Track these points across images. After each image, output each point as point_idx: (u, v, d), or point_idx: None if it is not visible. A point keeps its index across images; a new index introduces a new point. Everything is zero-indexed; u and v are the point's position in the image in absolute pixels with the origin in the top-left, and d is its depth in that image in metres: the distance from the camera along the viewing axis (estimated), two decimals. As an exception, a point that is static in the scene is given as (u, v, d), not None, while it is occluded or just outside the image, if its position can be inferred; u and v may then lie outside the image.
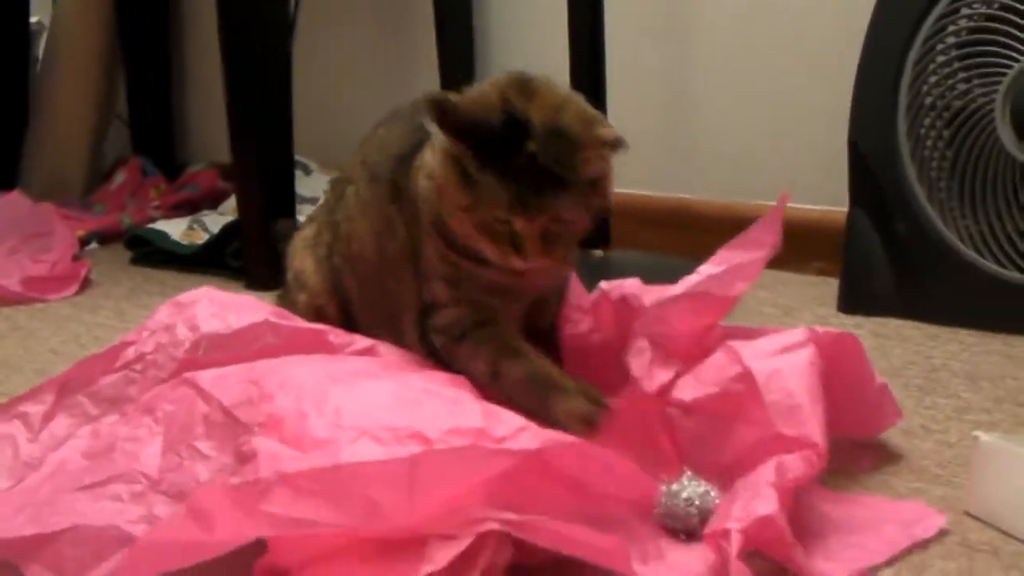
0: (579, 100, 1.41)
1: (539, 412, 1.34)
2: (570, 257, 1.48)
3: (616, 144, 1.37)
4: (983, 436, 1.34)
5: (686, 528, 1.24)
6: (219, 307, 1.51)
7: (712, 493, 1.25)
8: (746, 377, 1.34)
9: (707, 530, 1.19)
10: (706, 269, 1.44)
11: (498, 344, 1.46)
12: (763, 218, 1.43)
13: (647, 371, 1.39)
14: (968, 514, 1.33)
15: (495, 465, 1.11)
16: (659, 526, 1.26)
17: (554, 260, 1.42)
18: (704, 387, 1.37)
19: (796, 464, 1.24)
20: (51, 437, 1.43)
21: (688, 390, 1.38)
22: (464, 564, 1.06)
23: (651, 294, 1.50)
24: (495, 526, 1.07)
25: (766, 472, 1.22)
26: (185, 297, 1.53)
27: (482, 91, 1.40)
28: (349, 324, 1.63)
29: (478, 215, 1.38)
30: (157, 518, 1.22)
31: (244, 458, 1.22)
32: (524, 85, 1.39)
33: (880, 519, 1.31)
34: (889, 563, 1.22)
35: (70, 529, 1.23)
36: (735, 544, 1.13)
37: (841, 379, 1.35)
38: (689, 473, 1.28)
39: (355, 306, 1.67)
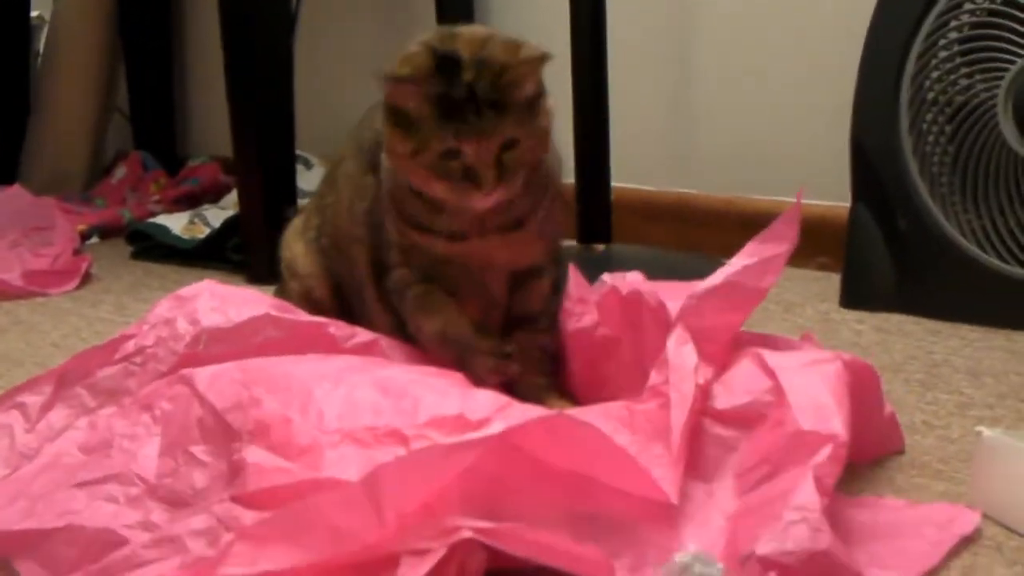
0: (499, 32, 1.48)
1: (457, 366, 1.46)
2: (533, 194, 1.52)
3: (543, 59, 1.45)
4: (986, 431, 1.33)
5: None
6: (220, 301, 1.51)
7: None
8: (775, 390, 1.33)
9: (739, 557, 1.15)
10: (737, 261, 1.43)
11: (420, 301, 1.54)
12: (783, 213, 1.43)
13: (695, 363, 1.37)
14: (970, 507, 1.32)
15: (457, 462, 1.10)
16: None
17: (512, 188, 1.46)
18: (735, 397, 1.35)
19: (830, 467, 1.21)
20: (48, 428, 1.43)
21: (720, 399, 1.36)
22: (436, 573, 1.05)
23: (663, 290, 1.49)
24: (469, 535, 1.06)
25: (806, 492, 1.17)
26: (186, 291, 1.53)
27: (410, 48, 1.47)
28: (343, 306, 1.67)
29: (427, 156, 1.43)
30: (154, 525, 1.23)
31: (236, 468, 1.23)
32: (446, 32, 1.48)
33: (914, 522, 1.30)
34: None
35: (65, 528, 1.24)
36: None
37: (855, 404, 1.34)
38: (692, 549, 1.18)
39: (344, 286, 1.69)
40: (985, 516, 1.31)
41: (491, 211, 1.48)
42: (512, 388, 1.48)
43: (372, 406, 1.25)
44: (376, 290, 1.61)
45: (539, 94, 1.47)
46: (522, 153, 1.45)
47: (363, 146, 1.64)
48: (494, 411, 1.21)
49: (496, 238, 1.52)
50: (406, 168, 1.47)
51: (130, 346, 1.48)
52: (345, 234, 1.65)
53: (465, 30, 1.47)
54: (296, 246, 1.74)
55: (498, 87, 1.42)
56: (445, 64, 1.42)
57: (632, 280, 1.52)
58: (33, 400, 1.46)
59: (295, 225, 1.78)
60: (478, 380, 1.42)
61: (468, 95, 1.41)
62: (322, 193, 1.76)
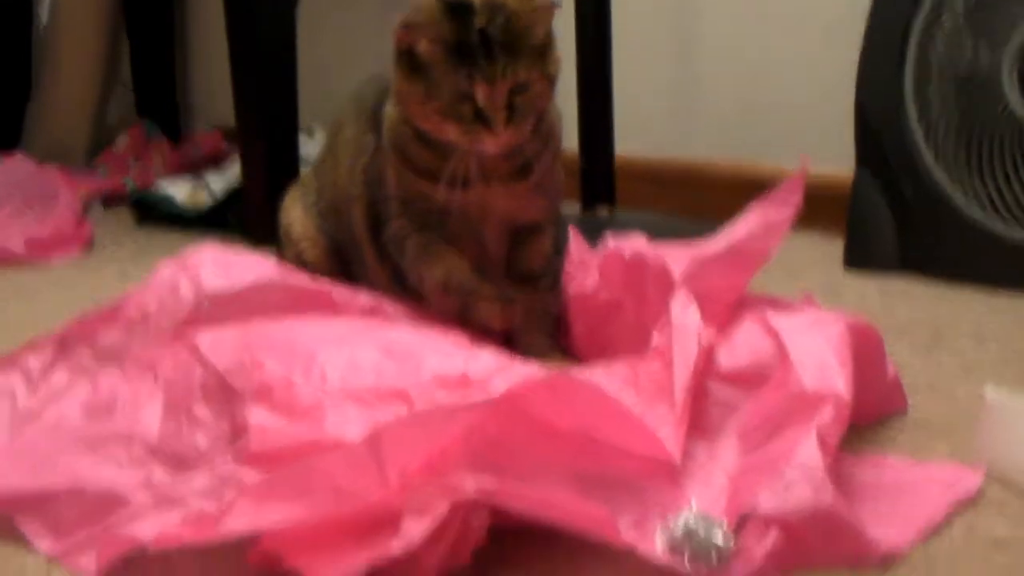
0: None
1: (460, 316, 1.52)
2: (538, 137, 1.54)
3: (553, 5, 1.49)
4: (991, 391, 1.33)
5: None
6: (223, 265, 1.50)
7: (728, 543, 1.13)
8: (779, 350, 1.32)
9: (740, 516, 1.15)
10: (741, 225, 1.43)
11: (420, 251, 1.55)
12: (788, 179, 1.43)
13: (698, 323, 1.36)
14: (973, 468, 1.32)
15: (459, 422, 1.10)
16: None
17: (521, 132, 1.48)
18: (738, 358, 1.35)
19: (833, 426, 1.21)
20: (50, 389, 1.43)
21: (723, 360, 1.36)
22: (438, 530, 1.05)
23: (665, 253, 1.49)
24: (472, 493, 1.06)
25: (809, 450, 1.17)
26: (189, 255, 1.52)
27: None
28: (340, 270, 1.68)
29: (439, 99, 1.45)
30: (157, 485, 1.23)
31: (239, 429, 1.23)
32: None
33: (917, 481, 1.30)
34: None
35: (68, 489, 1.24)
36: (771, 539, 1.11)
37: (858, 365, 1.34)
38: (696, 509, 1.17)
39: (344, 249, 1.70)
40: (988, 476, 1.31)
41: (497, 157, 1.49)
42: (515, 348, 1.49)
43: (375, 367, 1.25)
44: (374, 246, 1.61)
45: (549, 40, 1.49)
46: (532, 97, 1.47)
47: (363, 107, 1.65)
48: (497, 370, 1.21)
49: (499, 187, 1.53)
50: (416, 112, 1.48)
51: (133, 309, 1.48)
52: (344, 194, 1.66)
53: None
54: (294, 211, 1.75)
55: (510, 31, 1.44)
56: (457, 10, 1.44)
57: (635, 243, 1.51)
58: (35, 362, 1.46)
59: (292, 192, 1.80)
60: (482, 328, 1.46)
61: (480, 39, 1.43)
62: (322, 159, 1.78)
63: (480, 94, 1.44)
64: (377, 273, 1.62)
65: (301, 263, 1.68)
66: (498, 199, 1.54)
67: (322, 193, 1.73)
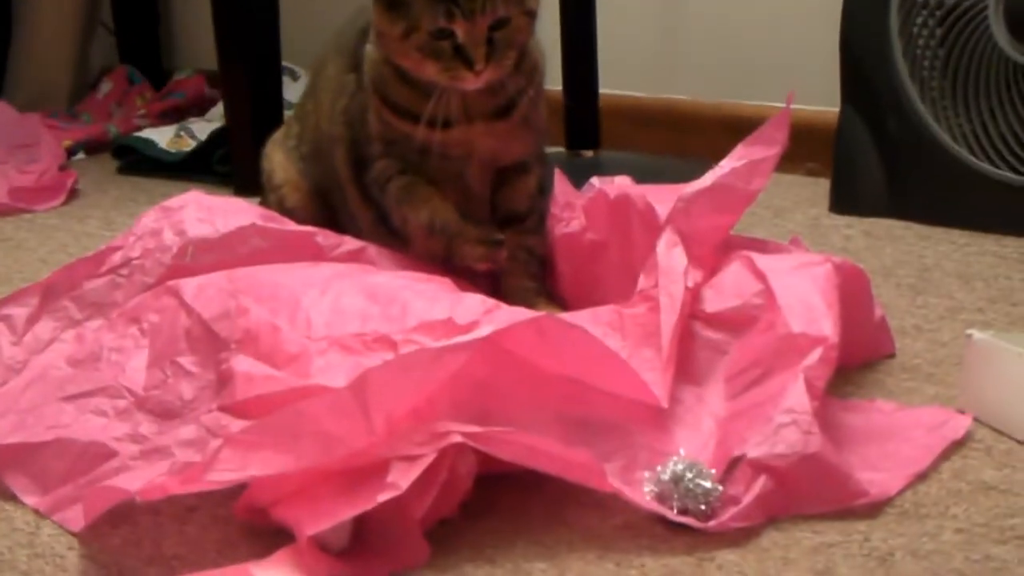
0: None
1: (445, 258, 1.52)
2: (517, 73, 1.52)
3: None
4: (976, 334, 1.33)
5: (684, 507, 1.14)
6: (207, 211, 1.49)
7: (717, 490, 1.13)
8: (766, 292, 1.32)
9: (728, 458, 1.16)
10: (727, 164, 1.43)
11: (404, 193, 1.54)
12: (774, 117, 1.42)
13: (684, 266, 1.36)
14: (961, 412, 1.32)
15: (446, 365, 1.10)
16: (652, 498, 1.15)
17: (501, 68, 1.46)
18: (725, 300, 1.35)
19: (820, 369, 1.21)
20: (35, 340, 1.43)
21: (710, 302, 1.36)
22: (425, 480, 1.05)
23: (651, 193, 1.48)
24: (459, 439, 1.06)
25: (796, 395, 1.18)
26: (172, 202, 1.51)
27: None
28: (323, 215, 1.66)
29: (418, 36, 1.44)
30: (143, 437, 1.23)
31: (224, 378, 1.22)
32: None
33: (905, 425, 1.30)
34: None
35: (55, 442, 1.24)
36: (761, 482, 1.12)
37: (845, 307, 1.34)
38: (684, 456, 1.17)
39: (328, 193, 1.68)
40: (975, 419, 1.31)
41: (479, 94, 1.48)
42: (501, 292, 1.48)
43: (360, 313, 1.25)
44: (357, 188, 1.61)
45: None
46: (512, 32, 1.46)
47: (344, 46, 1.63)
48: (482, 314, 1.21)
49: (482, 126, 1.52)
50: (396, 50, 1.47)
51: (116, 258, 1.47)
52: (326, 136, 1.64)
53: None
54: (275, 156, 1.74)
55: None
56: None
57: (620, 184, 1.51)
58: (19, 312, 1.45)
59: (276, 135, 1.78)
60: (468, 269, 1.47)
61: None
62: (302, 101, 1.76)
63: (459, 31, 1.42)
64: (361, 216, 1.61)
65: (283, 209, 1.66)
66: (481, 138, 1.53)
67: (303, 136, 1.71)
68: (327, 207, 1.67)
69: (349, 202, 1.62)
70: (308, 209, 1.68)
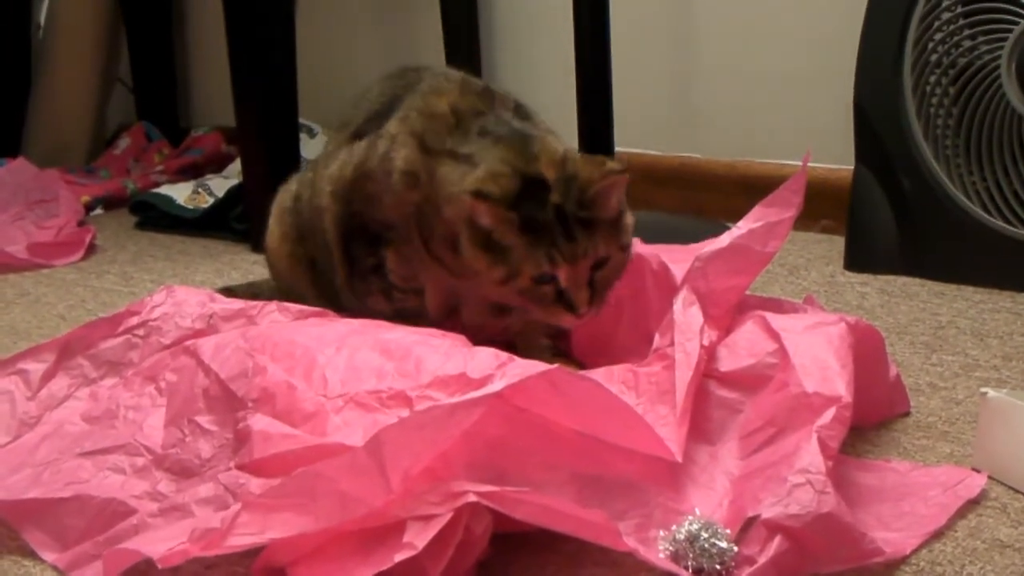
0: (570, 147, 1.46)
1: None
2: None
3: (624, 170, 1.41)
4: (991, 392, 1.33)
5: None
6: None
7: (732, 550, 1.13)
8: (780, 352, 1.32)
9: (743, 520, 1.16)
10: (744, 225, 1.43)
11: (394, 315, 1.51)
12: (790, 179, 1.43)
13: (700, 324, 1.36)
14: (976, 470, 1.32)
15: (460, 421, 1.10)
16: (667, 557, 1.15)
17: (601, 309, 1.43)
18: (739, 359, 1.35)
19: (834, 429, 1.21)
20: (49, 396, 1.44)
21: (724, 361, 1.36)
22: (441, 539, 1.05)
23: (665, 253, 1.49)
24: (473, 499, 1.06)
25: (810, 454, 1.17)
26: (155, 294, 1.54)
27: (491, 166, 1.41)
28: (312, 278, 1.67)
29: (519, 282, 1.40)
30: (162, 495, 1.24)
31: (241, 437, 1.23)
32: (521, 149, 1.42)
33: (920, 484, 1.30)
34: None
35: (73, 498, 1.25)
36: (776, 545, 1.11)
37: (860, 366, 1.34)
38: (699, 516, 1.17)
39: (318, 260, 1.67)
40: (990, 477, 1.31)
41: None
42: (515, 350, 1.49)
43: (375, 369, 1.25)
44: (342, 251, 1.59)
45: (622, 209, 1.45)
46: (611, 271, 1.43)
47: (346, 123, 1.64)
48: (496, 368, 1.21)
49: None
50: (492, 292, 1.44)
51: (134, 319, 1.48)
52: (316, 201, 1.63)
53: (540, 148, 1.43)
54: (274, 221, 1.74)
55: (585, 204, 1.39)
56: (532, 187, 1.39)
57: (635, 244, 1.52)
58: (35, 368, 1.46)
59: (280, 198, 1.77)
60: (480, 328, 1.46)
61: (556, 216, 1.38)
62: (314, 166, 1.74)
63: (563, 276, 1.39)
64: (344, 287, 1.61)
65: (273, 275, 1.68)
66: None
67: (301, 196, 1.70)
68: (315, 271, 1.68)
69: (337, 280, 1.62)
70: (294, 275, 1.69)
